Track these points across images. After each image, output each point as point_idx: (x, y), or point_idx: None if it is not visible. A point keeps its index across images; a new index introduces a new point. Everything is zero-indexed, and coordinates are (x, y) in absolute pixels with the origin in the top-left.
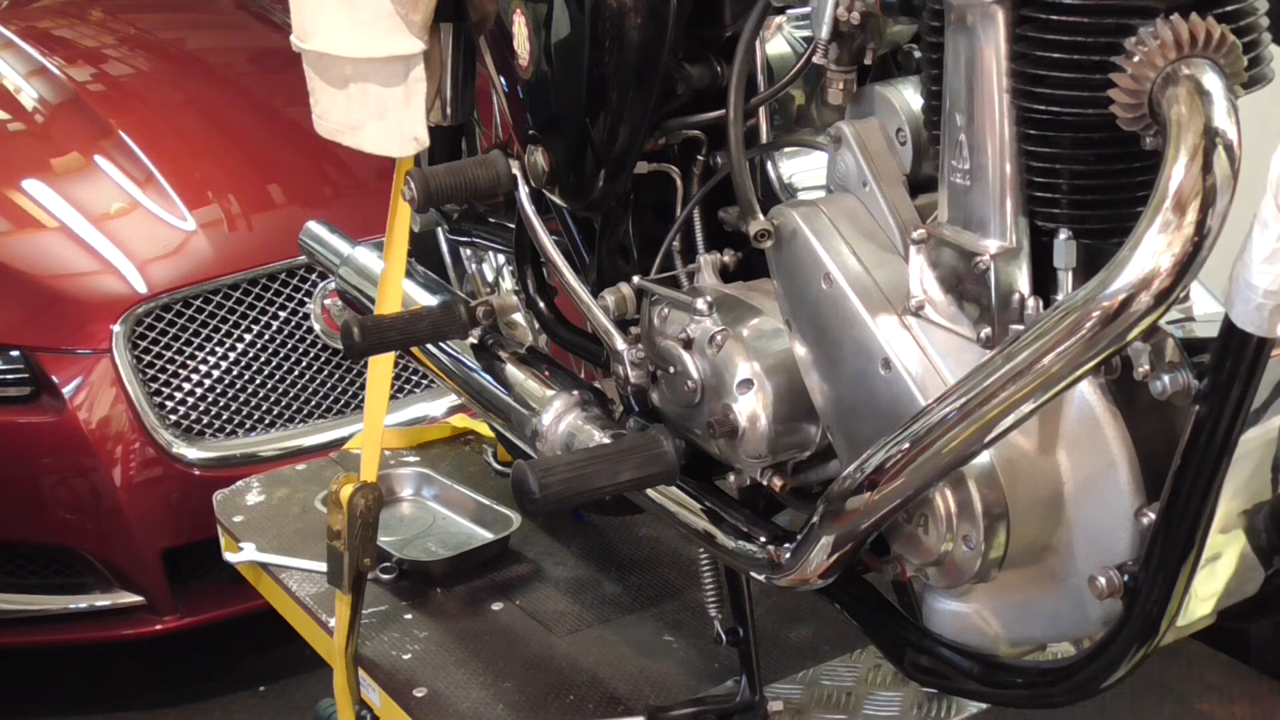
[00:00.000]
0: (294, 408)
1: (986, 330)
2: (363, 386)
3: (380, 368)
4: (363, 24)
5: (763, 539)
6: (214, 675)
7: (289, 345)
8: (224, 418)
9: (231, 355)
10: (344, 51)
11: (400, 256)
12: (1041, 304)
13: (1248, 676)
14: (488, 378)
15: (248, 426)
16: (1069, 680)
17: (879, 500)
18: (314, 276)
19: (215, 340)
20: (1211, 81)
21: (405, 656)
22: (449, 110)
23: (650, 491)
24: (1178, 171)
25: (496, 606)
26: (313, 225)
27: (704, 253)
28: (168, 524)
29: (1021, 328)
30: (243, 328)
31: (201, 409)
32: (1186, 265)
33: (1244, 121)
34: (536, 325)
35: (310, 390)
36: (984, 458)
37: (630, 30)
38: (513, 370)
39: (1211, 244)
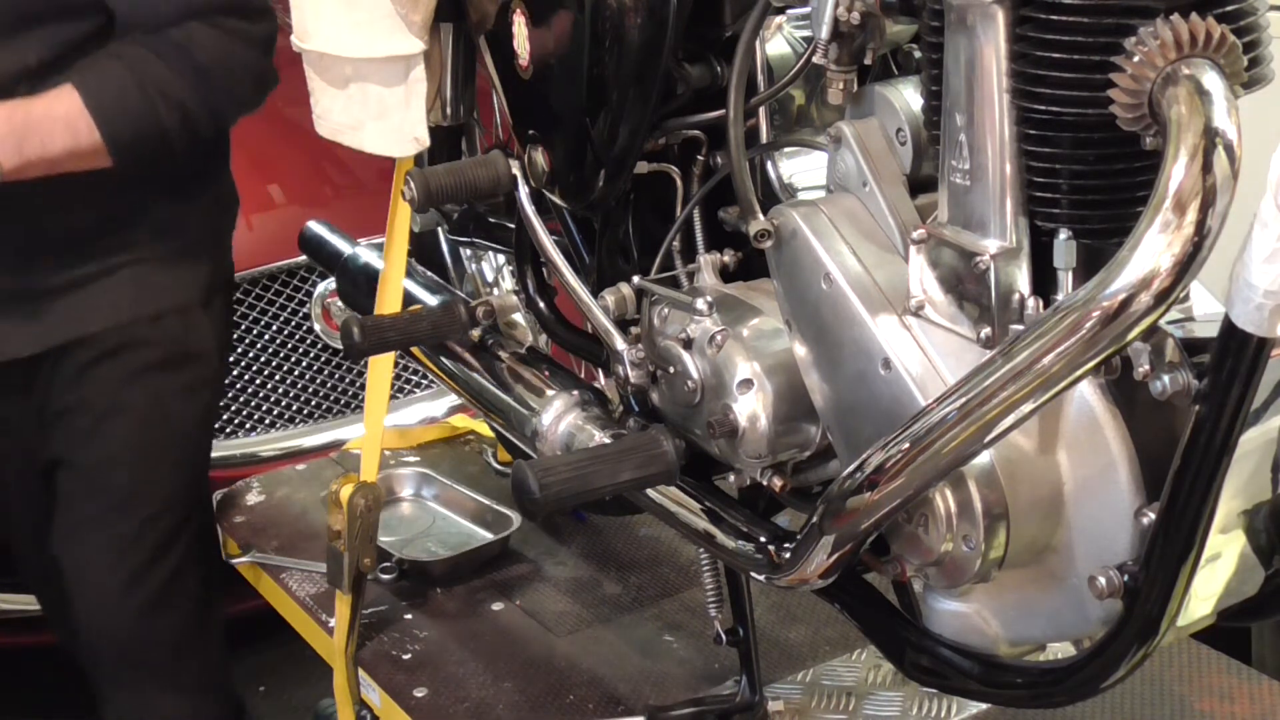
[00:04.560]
0: (294, 408)
1: (986, 330)
2: (363, 386)
3: (380, 368)
4: (362, 24)
5: (763, 539)
6: None
7: (289, 345)
8: (224, 418)
9: (232, 355)
10: (344, 52)
11: (400, 256)
12: (1041, 304)
13: (1248, 676)
14: (488, 378)
15: (248, 427)
16: (1069, 680)
17: (879, 500)
18: (314, 276)
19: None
20: (1211, 81)
21: (405, 656)
22: (449, 110)
23: (650, 491)
24: (1178, 171)
25: (496, 606)
26: (313, 225)
27: (704, 253)
28: None
29: (1021, 328)
30: (243, 328)
31: None
32: (1186, 265)
33: (1244, 121)
34: (537, 325)
35: (310, 390)
36: (984, 458)
37: (630, 30)
38: (513, 370)
39: (1211, 244)
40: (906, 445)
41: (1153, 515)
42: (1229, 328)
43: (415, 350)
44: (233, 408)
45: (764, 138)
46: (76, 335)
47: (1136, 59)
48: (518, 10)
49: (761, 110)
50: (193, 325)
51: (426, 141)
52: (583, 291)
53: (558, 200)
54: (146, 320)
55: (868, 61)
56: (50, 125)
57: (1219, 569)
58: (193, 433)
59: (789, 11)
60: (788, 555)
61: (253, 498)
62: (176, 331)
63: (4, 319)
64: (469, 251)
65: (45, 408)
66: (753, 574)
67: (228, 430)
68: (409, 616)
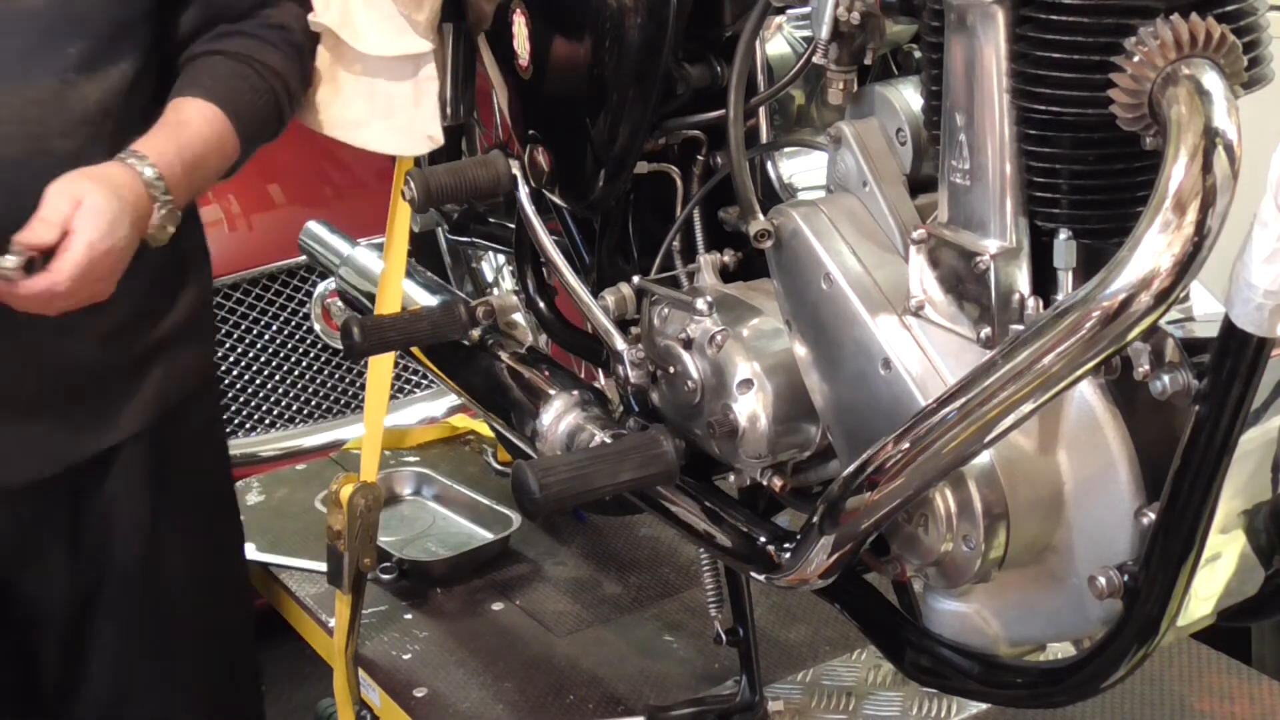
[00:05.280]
0: (294, 408)
1: (986, 330)
2: (363, 387)
3: (380, 368)
4: (375, 22)
5: (763, 539)
6: None
7: (289, 345)
8: (223, 418)
9: (231, 355)
10: (357, 45)
11: (400, 256)
12: (1041, 304)
13: (1248, 676)
14: (488, 378)
15: (248, 427)
16: (1069, 680)
17: (879, 500)
18: (314, 276)
19: (215, 340)
20: (1211, 81)
21: (405, 656)
22: (449, 110)
23: (650, 491)
24: (1178, 171)
25: (496, 606)
26: (313, 225)
27: (704, 253)
28: None
29: (1021, 328)
30: (243, 328)
31: None
32: (1186, 265)
33: (1244, 121)
34: (537, 325)
35: (310, 390)
36: (984, 458)
37: (630, 30)
38: (513, 370)
39: (1211, 244)
40: (906, 445)
41: (1153, 515)
42: (1229, 328)
43: (415, 350)
44: (233, 408)
45: (764, 138)
46: (117, 440)
47: (1136, 59)
48: (517, 10)
49: (761, 110)
50: (212, 391)
51: (440, 139)
52: (583, 291)
53: (558, 200)
54: (186, 401)
55: (868, 61)
56: (209, 150)
57: (1219, 569)
58: (233, 512)
59: (789, 11)
60: (788, 555)
61: (253, 498)
62: (208, 403)
63: (27, 433)
64: (469, 251)
65: (86, 528)
66: (753, 574)
67: (228, 430)
68: (409, 616)
